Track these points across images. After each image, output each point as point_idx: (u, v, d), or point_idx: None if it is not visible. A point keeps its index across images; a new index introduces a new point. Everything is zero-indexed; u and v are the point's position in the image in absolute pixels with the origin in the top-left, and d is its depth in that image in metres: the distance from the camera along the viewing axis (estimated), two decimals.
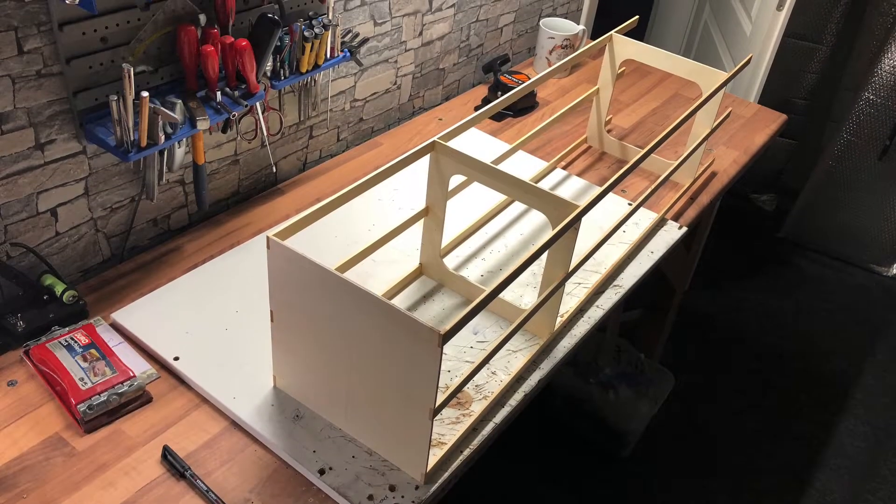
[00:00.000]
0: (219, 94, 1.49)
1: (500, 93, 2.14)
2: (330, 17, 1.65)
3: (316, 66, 1.68)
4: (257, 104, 1.61)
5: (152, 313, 1.43)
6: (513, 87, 2.08)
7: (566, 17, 2.55)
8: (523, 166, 1.93)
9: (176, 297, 1.48)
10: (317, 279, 1.10)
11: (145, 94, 1.33)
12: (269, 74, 1.61)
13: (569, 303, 1.54)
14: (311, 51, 1.62)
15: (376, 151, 1.97)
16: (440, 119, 2.12)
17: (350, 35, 1.78)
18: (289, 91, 1.75)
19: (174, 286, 1.51)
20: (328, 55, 1.69)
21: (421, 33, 2.04)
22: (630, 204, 1.86)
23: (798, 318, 3.27)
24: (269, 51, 1.52)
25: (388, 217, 1.71)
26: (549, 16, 2.53)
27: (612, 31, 1.88)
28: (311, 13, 1.65)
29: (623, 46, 1.88)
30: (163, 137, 1.42)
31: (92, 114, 1.39)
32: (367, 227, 1.67)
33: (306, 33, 1.59)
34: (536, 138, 1.97)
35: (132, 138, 1.38)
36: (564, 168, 1.97)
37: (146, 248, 1.63)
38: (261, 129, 1.66)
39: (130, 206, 1.57)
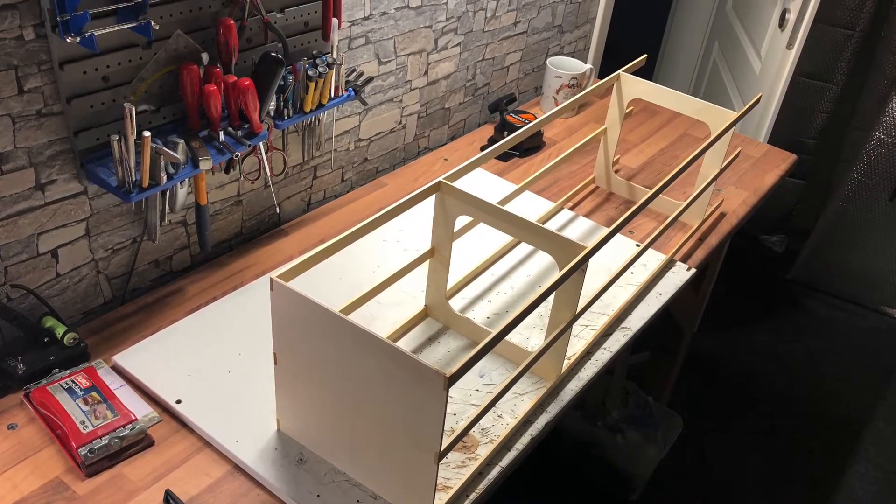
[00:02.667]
0: (221, 133, 1.51)
1: (506, 132, 2.17)
2: (334, 56, 1.67)
3: (320, 106, 1.70)
4: (260, 144, 1.63)
5: (154, 356, 1.44)
6: (519, 127, 2.10)
7: (573, 56, 2.59)
8: (530, 207, 1.95)
9: (178, 340, 1.49)
10: (321, 321, 1.11)
11: (147, 133, 1.34)
12: (272, 114, 1.63)
13: (576, 345, 1.55)
14: (314, 90, 1.65)
15: (381, 192, 1.98)
16: (446, 159, 2.14)
17: (354, 74, 1.80)
18: (292, 131, 1.78)
19: (176, 328, 1.52)
20: (332, 94, 1.71)
21: (426, 72, 2.07)
22: (638, 245, 1.87)
23: (808, 361, 3.26)
24: (273, 90, 1.54)
25: (393, 258, 1.73)
26: (556, 55, 2.56)
27: (620, 71, 1.90)
28: (314, 52, 1.68)
29: (631, 85, 1.90)
30: (165, 178, 1.43)
31: (93, 154, 1.41)
32: (371, 269, 1.68)
33: (310, 72, 1.61)
34: (543, 178, 1.99)
35: (134, 179, 1.39)
36: (572, 209, 1.99)
37: (148, 290, 1.64)
38: (264, 169, 1.67)
39: (132, 248, 1.59)
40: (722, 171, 1.86)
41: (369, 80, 1.82)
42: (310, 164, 1.87)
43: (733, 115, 1.78)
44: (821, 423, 2.96)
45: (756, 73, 2.84)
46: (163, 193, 1.51)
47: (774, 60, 2.66)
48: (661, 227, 1.70)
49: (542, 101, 2.41)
